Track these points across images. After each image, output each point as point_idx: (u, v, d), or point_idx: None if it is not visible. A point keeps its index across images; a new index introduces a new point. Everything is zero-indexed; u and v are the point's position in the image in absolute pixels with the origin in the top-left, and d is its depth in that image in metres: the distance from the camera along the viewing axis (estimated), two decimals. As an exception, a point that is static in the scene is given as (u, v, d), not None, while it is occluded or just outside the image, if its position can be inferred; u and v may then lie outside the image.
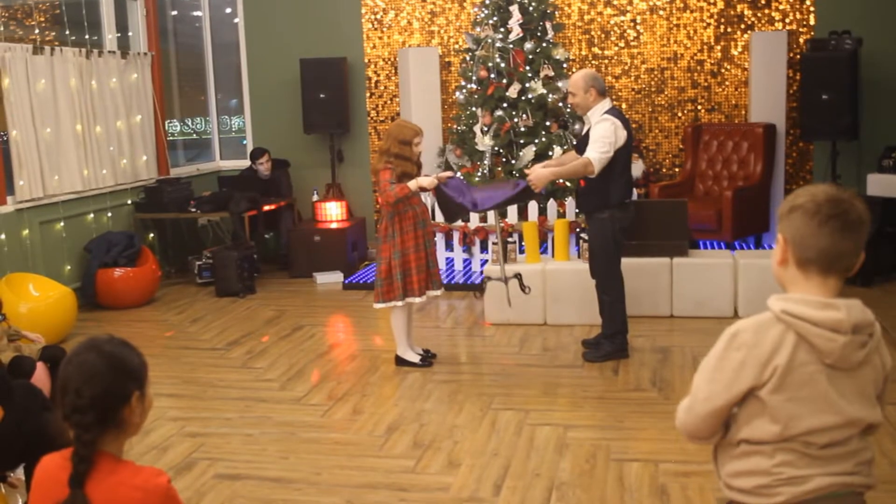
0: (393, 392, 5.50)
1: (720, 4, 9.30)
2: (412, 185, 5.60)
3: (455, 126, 9.09)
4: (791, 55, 8.98)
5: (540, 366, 5.90)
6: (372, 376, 5.79)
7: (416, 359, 5.93)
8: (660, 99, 9.46)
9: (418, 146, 5.75)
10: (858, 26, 8.47)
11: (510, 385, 5.52)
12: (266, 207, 9.05)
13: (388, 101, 10.00)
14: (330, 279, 8.55)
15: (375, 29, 9.96)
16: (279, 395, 5.49)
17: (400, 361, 5.94)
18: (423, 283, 5.78)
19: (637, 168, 9.11)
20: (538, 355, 6.12)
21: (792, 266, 2.10)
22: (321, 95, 9.53)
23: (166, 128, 9.65)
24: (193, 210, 8.65)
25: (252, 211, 8.81)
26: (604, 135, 5.48)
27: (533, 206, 8.15)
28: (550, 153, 8.37)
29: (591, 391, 5.39)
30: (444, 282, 7.86)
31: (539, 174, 5.67)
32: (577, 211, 8.01)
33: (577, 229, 7.50)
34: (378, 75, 10.02)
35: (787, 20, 9.16)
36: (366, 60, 10.00)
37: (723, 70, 9.33)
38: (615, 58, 9.54)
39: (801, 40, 9.05)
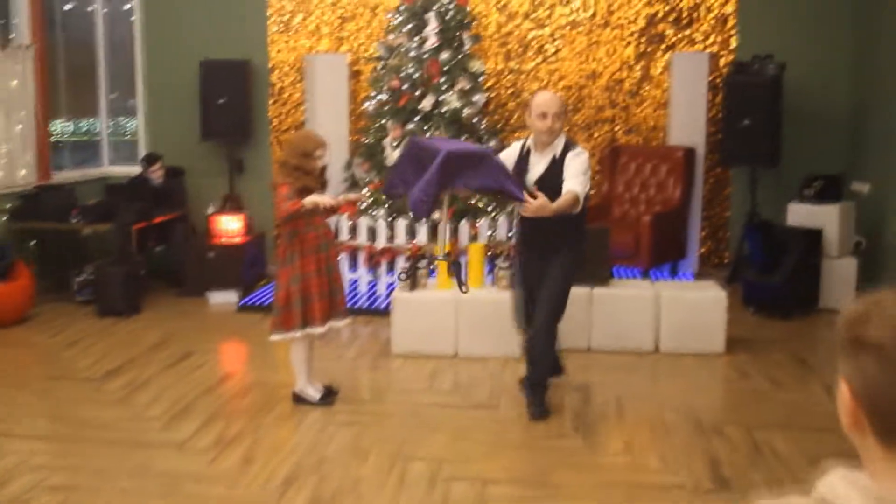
0: (290, 436, 4.95)
1: (641, 23, 9.01)
2: (307, 201, 5.03)
3: (363, 139, 8.58)
4: (712, 78, 8.74)
5: (452, 406, 5.43)
6: (267, 416, 5.23)
7: (315, 397, 5.39)
8: (577, 118, 9.11)
9: (321, 159, 5.24)
10: (781, 51, 8.26)
11: (420, 428, 5.03)
12: (157, 219, 8.38)
13: (293, 110, 9.43)
14: (224, 299, 7.93)
15: (282, 32, 9.38)
16: (161, 438, 4.88)
17: (297, 399, 5.39)
18: (326, 311, 5.26)
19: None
20: (450, 393, 5.65)
21: (870, 435, 1.26)
22: (221, 100, 8.91)
23: (50, 128, 8.88)
24: (75, 220, 7.92)
25: (141, 223, 8.13)
26: (585, 169, 5.01)
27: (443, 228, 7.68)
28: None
29: (510, 438, 4.94)
30: (348, 305, 7.38)
31: (542, 207, 4.73)
32: (492, 235, 7.60)
33: (490, 254, 7.07)
34: (283, 81, 9.44)
35: (709, 41, 8.92)
36: (270, 65, 9.41)
37: (642, 90, 9.03)
38: (532, 73, 9.17)
39: (723, 63, 8.81)
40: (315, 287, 5.20)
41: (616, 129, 9.10)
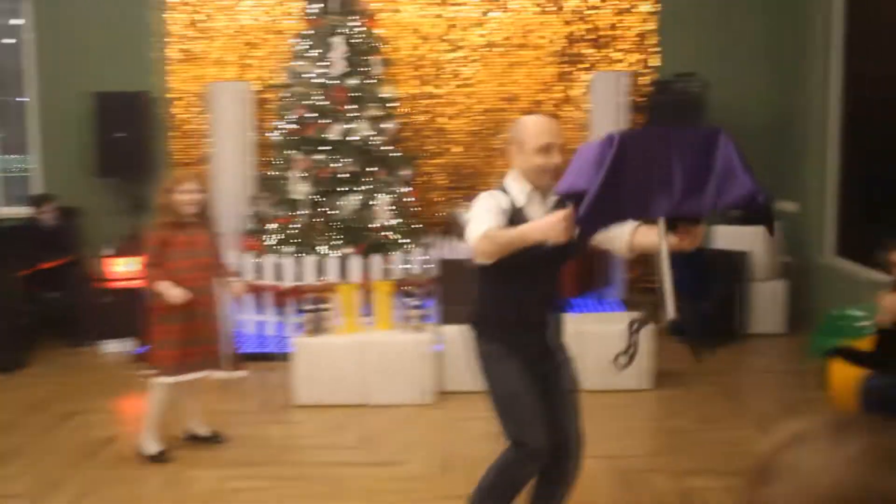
0: (172, 508, 4.45)
1: (560, 43, 8.68)
2: (159, 288, 4.80)
3: (269, 171, 8.10)
4: (633, 97, 8.43)
5: (357, 463, 4.95)
6: (147, 485, 4.70)
7: (150, 451, 4.98)
8: (496, 142, 8.73)
9: (188, 194, 4.86)
10: (704, 69, 7.98)
11: (320, 495, 4.54)
12: (48, 264, 7.79)
13: (197, 142, 8.91)
14: (119, 348, 7.36)
15: (183, 61, 8.87)
16: (23, 518, 4.34)
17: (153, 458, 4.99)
18: (188, 359, 4.89)
19: (472, 218, 8.34)
20: (355, 449, 5.18)
21: None
22: (118, 134, 8.37)
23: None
24: (-45, 267, 7.29)
25: (30, 268, 7.54)
26: None
27: (356, 264, 7.22)
28: (373, 203, 7.49)
29: (414, 500, 4.47)
30: (255, 349, 6.89)
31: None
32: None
33: (404, 290, 6.62)
34: (185, 113, 8.92)
35: (630, 61, 8.62)
36: (170, 96, 8.89)
37: (563, 112, 8.69)
38: (448, 97, 8.78)
39: (643, 82, 8.51)
40: (183, 333, 4.80)
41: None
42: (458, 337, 6.00)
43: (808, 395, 5.89)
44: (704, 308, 7.15)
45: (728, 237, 7.48)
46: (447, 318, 6.12)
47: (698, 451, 5.03)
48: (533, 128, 3.45)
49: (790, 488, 0.97)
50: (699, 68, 7.98)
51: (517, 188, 3.46)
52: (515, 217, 3.38)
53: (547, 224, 3.10)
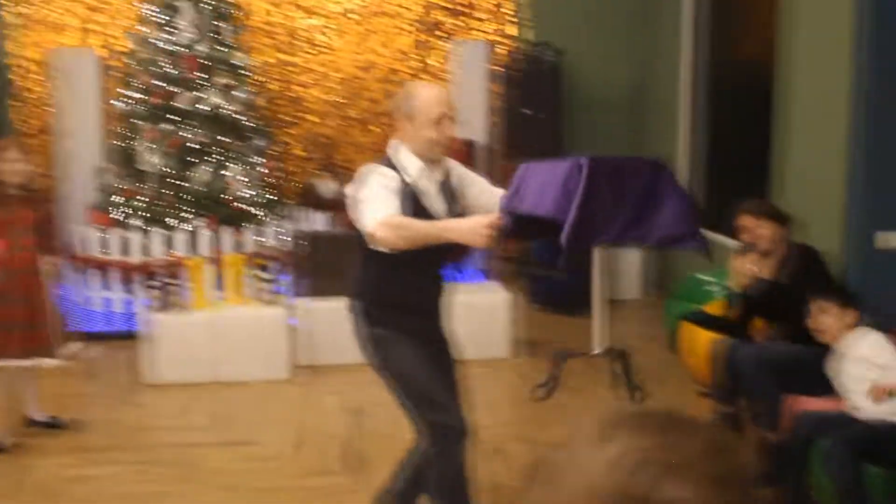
0: (7, 499, 4.18)
1: (417, 10, 8.57)
2: None
3: (116, 142, 7.73)
4: (493, 67, 8.40)
5: (210, 444, 4.77)
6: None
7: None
8: (353, 112, 8.58)
9: (4, 164, 4.50)
10: (561, 39, 8.00)
11: (171, 479, 4.35)
12: None
13: (40, 111, 8.44)
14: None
15: (22, 25, 8.38)
16: None
17: None
18: (23, 343, 4.56)
19: (329, 188, 8.20)
20: (207, 429, 4.99)
21: None
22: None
23: None
24: None
25: None
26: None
27: (208, 238, 6.98)
28: (226, 174, 7.25)
29: (267, 478, 4.34)
30: (102, 328, 6.60)
31: None
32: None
33: (259, 264, 6.43)
34: (25, 80, 8.44)
35: (489, 30, 8.58)
36: (9, 62, 8.39)
37: (421, 81, 8.59)
38: (304, 65, 8.57)
39: (503, 52, 8.48)
40: (4, 316, 4.51)
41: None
42: (313, 310, 5.88)
43: (665, 360, 5.98)
44: (561, 276, 7.21)
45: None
46: (303, 291, 5.98)
47: (558, 420, 5.05)
48: (426, 98, 3.21)
49: (550, 491, 0.90)
50: (556, 39, 8.00)
51: (407, 163, 3.22)
52: (408, 196, 3.16)
53: (470, 228, 2.96)
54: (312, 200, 8.10)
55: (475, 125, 8.25)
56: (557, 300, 7.21)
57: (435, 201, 3.27)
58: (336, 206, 8.01)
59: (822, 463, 3.65)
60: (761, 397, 4.28)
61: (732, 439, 0.90)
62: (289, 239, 7.02)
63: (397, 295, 3.25)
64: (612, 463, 0.85)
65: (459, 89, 8.23)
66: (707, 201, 7.32)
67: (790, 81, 5.77)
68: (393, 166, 3.20)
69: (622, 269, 7.55)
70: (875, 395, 3.62)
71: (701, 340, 4.91)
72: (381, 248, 3.05)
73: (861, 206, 5.17)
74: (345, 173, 8.52)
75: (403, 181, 3.17)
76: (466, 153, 8.03)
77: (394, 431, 4.86)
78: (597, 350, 4.36)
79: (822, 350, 4.34)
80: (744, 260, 4.34)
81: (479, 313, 6.03)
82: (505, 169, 8.57)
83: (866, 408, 3.71)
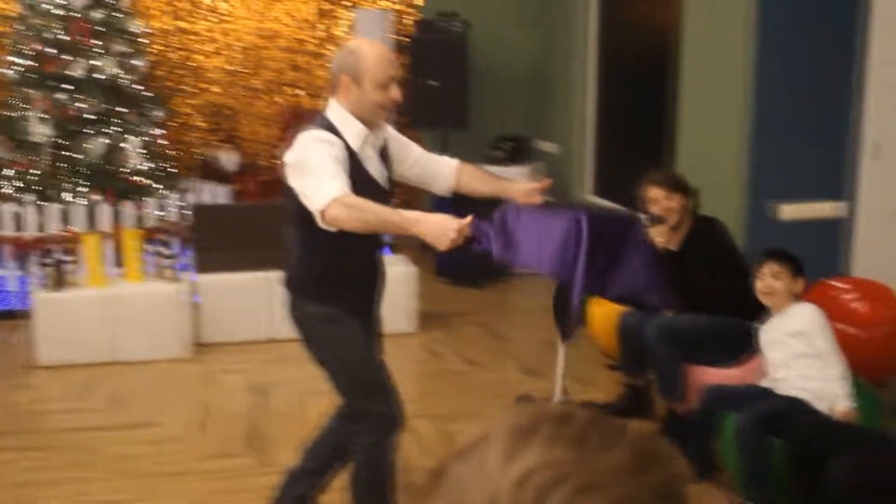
0: None
1: (321, -22, 8.38)
2: None
3: (4, 112, 7.39)
4: (398, 37, 8.27)
5: (108, 427, 4.61)
6: None
7: None
8: (256, 82, 8.36)
9: None
10: (465, 9, 7.92)
11: (67, 465, 4.18)
12: None
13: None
14: None
15: None
16: None
17: None
18: None
19: (231, 160, 8.00)
20: (104, 411, 4.82)
21: None
22: None
23: None
24: None
25: None
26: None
27: (104, 212, 6.73)
28: (123, 145, 6.99)
29: (170, 463, 4.20)
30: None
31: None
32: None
33: (158, 238, 6.23)
34: None
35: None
36: None
37: (325, 51, 8.42)
38: (204, 34, 8.30)
39: (409, 21, 8.36)
40: None
41: (299, 93, 8.45)
42: (215, 286, 5.73)
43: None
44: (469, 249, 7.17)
45: (491, 178, 7.52)
46: (204, 266, 5.81)
47: (463, 395, 5.02)
48: (373, 58, 3.00)
49: None
50: (461, 8, 7.91)
51: (350, 128, 3.01)
52: (352, 166, 2.97)
53: (439, 228, 2.78)
54: (213, 173, 7.89)
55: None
56: (462, 272, 7.17)
57: (375, 170, 3.12)
58: (238, 178, 7.83)
59: (730, 434, 3.69)
60: (667, 369, 4.31)
61: (663, 449, 0.78)
62: (189, 213, 6.82)
63: (343, 270, 3.09)
64: (520, 481, 0.73)
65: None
66: (608, 173, 7.35)
67: (689, 52, 5.80)
68: (335, 131, 2.98)
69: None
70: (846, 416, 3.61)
71: (608, 313, 4.92)
72: (327, 227, 2.83)
73: (759, 178, 5.25)
74: (247, 145, 8.34)
75: (348, 148, 2.97)
76: (372, 124, 7.91)
77: (297, 410, 4.78)
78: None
79: (727, 321, 4.39)
80: (651, 232, 4.34)
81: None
82: (411, 139, 8.47)
83: (787, 380, 3.75)
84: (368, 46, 3.05)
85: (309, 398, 4.93)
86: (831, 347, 3.70)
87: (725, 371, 4.19)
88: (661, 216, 4.39)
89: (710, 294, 4.37)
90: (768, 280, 3.82)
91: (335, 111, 3.04)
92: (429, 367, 5.54)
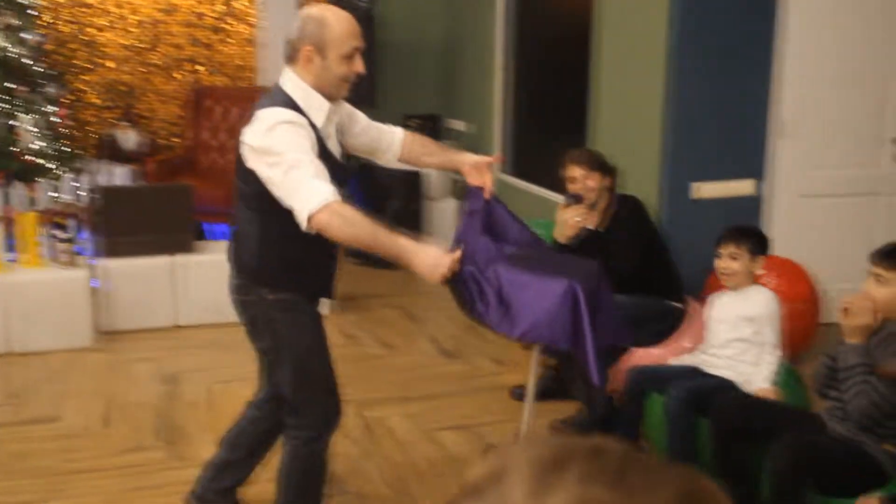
0: None
1: (221, -51, 8.09)
2: None
3: None
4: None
5: (5, 423, 4.33)
6: None
7: None
8: (154, 57, 8.04)
9: None
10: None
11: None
12: None
13: None
14: None
15: None
16: None
17: None
18: None
19: (130, 139, 7.69)
20: (2, 406, 4.55)
21: None
22: None
23: None
24: None
25: None
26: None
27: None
28: (15, 123, 6.64)
29: (77, 459, 3.97)
30: None
31: None
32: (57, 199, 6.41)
33: (55, 222, 5.93)
34: None
35: (295, -28, 8.20)
36: None
37: (226, 26, 8.14)
38: (99, 7, 7.94)
39: (311, -5, 8.15)
40: None
41: (200, 69, 8.16)
42: (119, 271, 5.48)
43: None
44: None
45: (401, 157, 7.39)
46: (107, 251, 5.54)
47: (380, 380, 4.91)
48: (340, 28, 2.76)
49: None
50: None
51: (313, 104, 2.78)
52: (322, 148, 2.77)
53: (432, 263, 2.65)
54: (112, 152, 7.57)
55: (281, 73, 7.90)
56: (371, 253, 7.02)
57: (334, 146, 2.92)
58: (137, 157, 7.53)
59: (657, 414, 3.67)
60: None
61: (709, 488, 0.71)
62: (87, 194, 6.52)
63: (305, 255, 2.88)
64: None
65: (267, 34, 7.87)
66: (523, 152, 7.30)
67: (606, 30, 5.76)
68: (297, 108, 2.74)
69: (437, 221, 7.45)
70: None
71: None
72: (307, 230, 2.63)
73: (676, 157, 5.25)
74: (147, 123, 8.02)
75: (312, 126, 2.75)
76: (277, 102, 7.70)
77: (209, 399, 4.60)
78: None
79: (650, 301, 4.38)
80: (571, 211, 4.28)
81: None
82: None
83: (718, 360, 3.73)
84: (334, 15, 2.80)
85: (220, 386, 4.75)
86: (776, 339, 3.68)
87: (649, 351, 4.17)
88: (579, 195, 4.34)
89: (632, 273, 4.35)
90: (726, 260, 3.75)
91: (294, 84, 2.79)
92: (344, 351, 5.37)
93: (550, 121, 6.93)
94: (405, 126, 7.35)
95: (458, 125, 7.97)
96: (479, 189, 3.17)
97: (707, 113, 5.23)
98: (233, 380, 4.83)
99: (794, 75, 5.29)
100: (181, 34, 8.06)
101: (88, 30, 7.85)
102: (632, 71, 5.51)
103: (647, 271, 4.38)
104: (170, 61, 8.07)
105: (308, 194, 2.59)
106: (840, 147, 5.49)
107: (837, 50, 5.34)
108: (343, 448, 4.04)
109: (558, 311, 2.88)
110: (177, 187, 6.02)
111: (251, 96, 7.59)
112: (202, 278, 5.63)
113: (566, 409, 4.33)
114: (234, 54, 8.16)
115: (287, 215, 2.67)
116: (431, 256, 2.68)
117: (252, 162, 2.72)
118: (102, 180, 6.98)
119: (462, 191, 7.72)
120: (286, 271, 2.88)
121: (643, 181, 5.23)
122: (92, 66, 7.94)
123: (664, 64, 5.15)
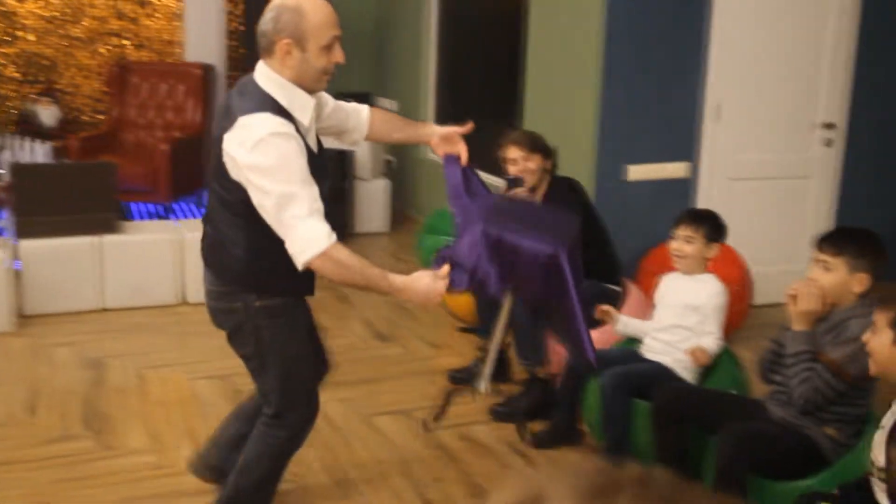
0: None
1: (144, -80, 7.84)
2: None
3: None
4: (229, -14, 7.87)
5: (-81, 410, 4.17)
6: None
7: None
8: (76, 30, 7.78)
9: None
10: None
11: None
12: None
13: None
14: None
15: None
16: None
17: None
18: None
19: (51, 115, 7.44)
20: (-84, 392, 4.37)
21: None
22: None
23: None
24: None
25: None
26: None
27: None
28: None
29: (2, 449, 3.81)
30: None
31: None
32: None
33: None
34: None
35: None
36: None
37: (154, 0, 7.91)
38: (14, -23, 7.66)
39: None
40: None
41: (125, 43, 7.91)
42: (38, 252, 5.28)
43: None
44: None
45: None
46: (26, 231, 5.34)
47: (315, 363, 4.82)
48: (317, 17, 2.59)
49: None
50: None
51: (297, 103, 2.63)
52: (309, 152, 2.62)
53: (425, 294, 2.68)
54: (31, 128, 7.31)
55: (210, 49, 7.74)
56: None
57: (313, 141, 2.76)
58: (59, 134, 7.28)
59: (594, 397, 3.66)
60: (527, 332, 4.24)
61: None
62: (4, 172, 6.28)
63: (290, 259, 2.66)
64: None
65: (195, 9, 7.67)
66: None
67: (538, 11, 5.72)
68: (281, 110, 2.58)
69: (367, 201, 7.35)
70: (696, 360, 3.61)
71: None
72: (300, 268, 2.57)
73: (608, 140, 5.25)
74: (68, 99, 7.77)
75: (298, 131, 2.59)
76: (201, 78, 7.52)
77: (137, 384, 4.47)
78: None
79: (588, 283, 4.36)
80: (512, 193, 4.24)
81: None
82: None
83: (656, 344, 3.73)
84: (310, 3, 2.61)
85: (150, 371, 4.62)
86: (717, 332, 3.69)
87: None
88: (519, 178, 4.30)
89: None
90: (680, 242, 3.72)
91: (274, 82, 2.63)
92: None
93: (483, 101, 6.88)
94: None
95: (389, 104, 7.88)
96: (455, 157, 3.07)
97: (640, 96, 5.23)
98: (162, 365, 4.71)
99: (726, 59, 5.33)
100: (105, 7, 7.81)
101: (6, 1, 7.56)
102: (565, 52, 5.48)
103: (585, 254, 4.36)
104: (93, 35, 7.81)
105: (304, 239, 2.52)
106: (770, 131, 5.55)
107: (768, 35, 5.39)
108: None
109: (543, 283, 2.85)
110: (99, 165, 5.83)
111: (180, 73, 7.46)
112: (127, 259, 5.47)
113: (506, 392, 4.31)
114: (160, 29, 7.94)
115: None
116: (423, 286, 2.68)
117: (237, 175, 2.59)
118: (22, 158, 6.74)
119: (393, 171, 7.66)
120: (276, 275, 2.74)
121: (576, 163, 5.22)
122: (10, 39, 7.65)
123: (597, 45, 5.14)
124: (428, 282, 2.68)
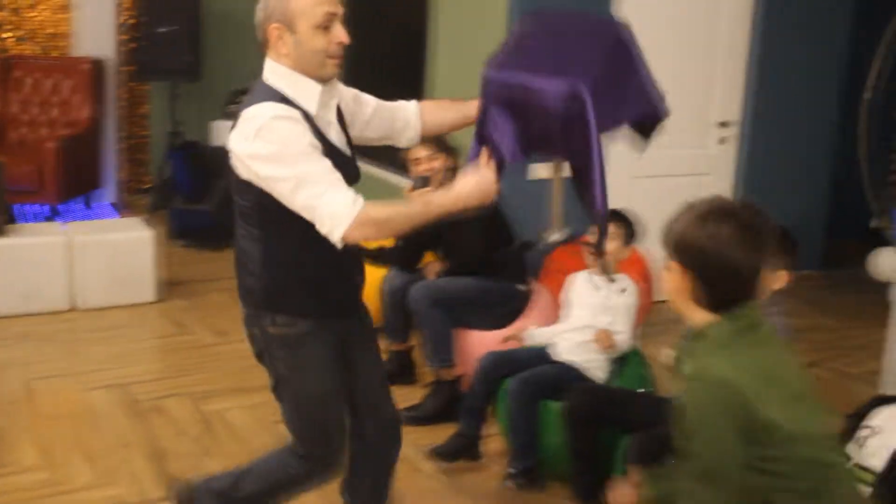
0: None
1: None
2: None
3: None
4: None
5: None
6: None
7: None
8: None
9: None
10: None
11: None
12: None
13: None
14: None
15: None
16: None
17: None
18: None
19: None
20: None
21: None
22: None
23: None
24: None
25: None
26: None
27: None
28: None
29: None
30: None
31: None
32: None
33: None
34: None
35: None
36: None
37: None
38: None
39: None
40: None
41: (6, 36, 7.55)
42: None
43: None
44: (206, 208, 6.77)
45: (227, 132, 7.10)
46: None
47: (216, 369, 4.68)
48: None
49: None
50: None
51: (301, 90, 2.44)
52: (322, 140, 2.42)
53: (479, 188, 2.44)
54: None
55: (102, 42, 7.47)
56: (200, 234, 6.73)
57: (337, 137, 2.55)
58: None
59: (503, 399, 3.63)
60: (435, 334, 4.18)
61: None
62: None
63: (318, 269, 2.53)
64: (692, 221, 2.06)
65: (84, 2, 7.39)
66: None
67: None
68: (284, 98, 2.40)
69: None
70: (601, 343, 3.59)
71: (372, 275, 4.73)
72: (333, 240, 2.34)
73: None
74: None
75: (307, 117, 2.41)
76: (92, 73, 7.26)
77: (27, 396, 4.26)
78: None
79: (496, 284, 4.34)
80: (418, 194, 4.17)
81: (117, 253, 5.46)
82: (133, 91, 7.85)
83: (565, 343, 3.71)
84: None
85: (40, 382, 4.41)
86: (628, 331, 3.69)
87: (494, 335, 4.12)
88: (427, 177, 4.23)
89: (479, 256, 4.30)
90: (608, 238, 3.67)
91: (276, 74, 2.46)
92: (175, 340, 5.12)
93: (389, 92, 6.77)
94: (234, 102, 7.11)
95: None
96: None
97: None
98: (53, 375, 4.50)
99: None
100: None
101: None
102: (468, 42, 5.44)
103: (495, 255, 4.34)
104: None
105: (328, 216, 2.32)
106: (669, 129, 5.60)
107: (665, 33, 5.44)
108: (182, 446, 3.83)
109: (562, 128, 2.49)
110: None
111: (67, 68, 7.17)
112: (14, 264, 5.22)
113: (413, 394, 4.25)
114: (45, 21, 7.60)
115: (293, 228, 2.40)
116: (472, 184, 2.47)
117: (244, 171, 2.40)
118: None
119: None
120: (292, 293, 2.52)
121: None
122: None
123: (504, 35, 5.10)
124: (475, 179, 2.47)
